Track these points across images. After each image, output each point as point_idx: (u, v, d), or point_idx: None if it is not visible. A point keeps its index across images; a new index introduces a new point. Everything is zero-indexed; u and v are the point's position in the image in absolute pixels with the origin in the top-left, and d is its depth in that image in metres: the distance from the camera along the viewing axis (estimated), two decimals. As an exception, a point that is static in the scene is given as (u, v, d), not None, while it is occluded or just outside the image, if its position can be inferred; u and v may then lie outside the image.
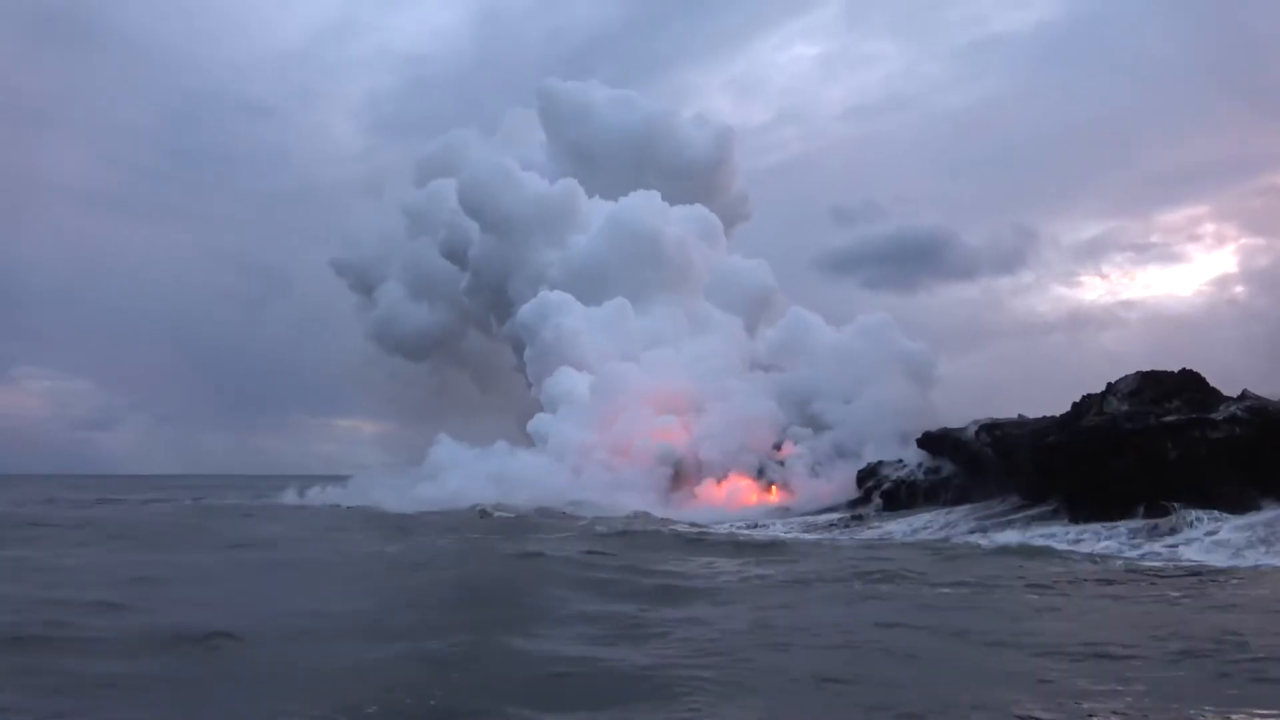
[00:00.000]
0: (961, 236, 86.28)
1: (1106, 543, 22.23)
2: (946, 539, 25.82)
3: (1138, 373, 27.37)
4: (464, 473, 48.17)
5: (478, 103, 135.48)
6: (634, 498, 39.74)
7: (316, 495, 53.28)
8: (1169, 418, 24.57)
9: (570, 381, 49.69)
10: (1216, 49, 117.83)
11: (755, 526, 32.78)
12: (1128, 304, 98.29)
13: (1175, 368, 27.60)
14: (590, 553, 21.73)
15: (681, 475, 43.35)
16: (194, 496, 62.11)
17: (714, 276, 61.39)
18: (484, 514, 36.59)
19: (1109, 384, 27.85)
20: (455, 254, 64.75)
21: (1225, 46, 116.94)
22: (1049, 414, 30.22)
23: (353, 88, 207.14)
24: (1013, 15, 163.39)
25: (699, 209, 62.65)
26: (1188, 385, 26.44)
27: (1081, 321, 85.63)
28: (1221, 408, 24.99)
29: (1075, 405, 28.54)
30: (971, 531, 26.32)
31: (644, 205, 58.42)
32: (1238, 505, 22.81)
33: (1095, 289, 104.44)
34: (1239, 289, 72.00)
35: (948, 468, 32.94)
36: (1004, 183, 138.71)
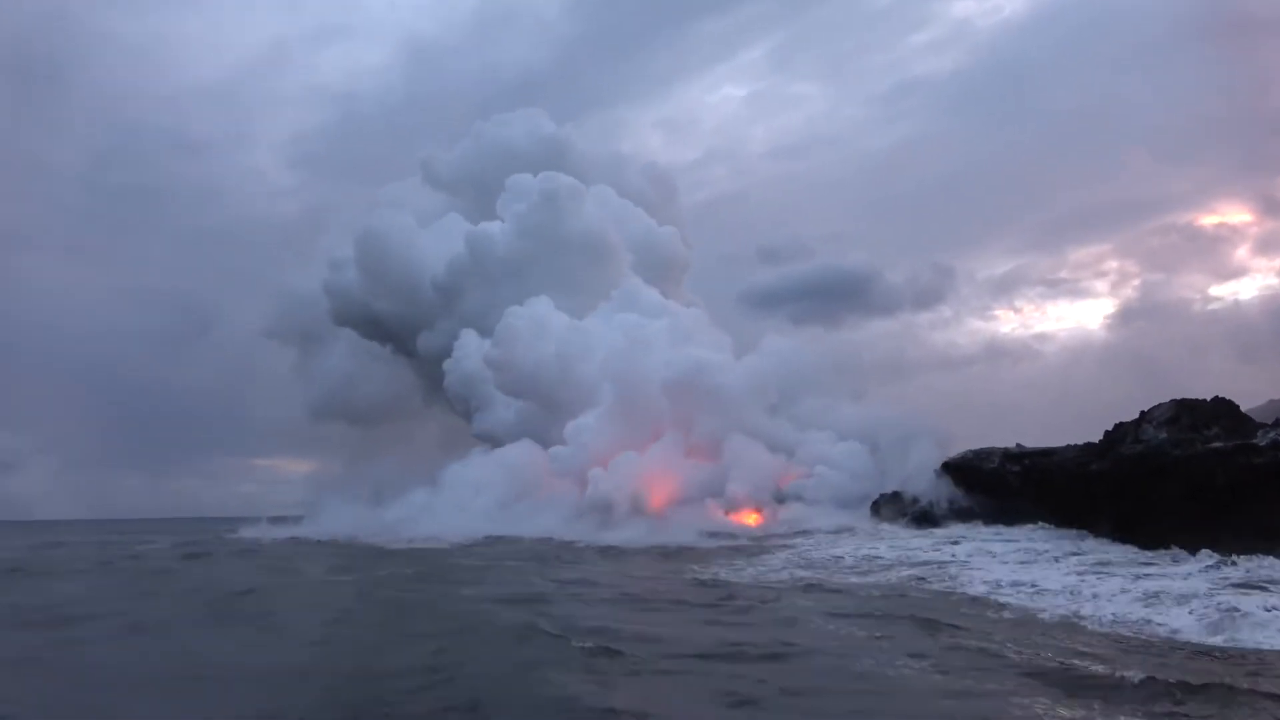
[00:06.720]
0: (884, 273, 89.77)
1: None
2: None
3: (1172, 400, 27.56)
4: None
5: (410, 142, 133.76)
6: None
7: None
8: (1214, 444, 24.76)
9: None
10: (1118, 99, 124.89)
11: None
12: (1040, 336, 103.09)
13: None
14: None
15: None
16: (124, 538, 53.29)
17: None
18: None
19: (1142, 412, 27.98)
20: (349, 319, 63.46)
21: (1126, 97, 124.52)
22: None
23: (281, 123, 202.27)
24: (931, 62, 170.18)
25: (663, 227, 62.30)
26: (1222, 413, 26.72)
27: (998, 353, 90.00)
28: (1260, 433, 25.24)
29: (1108, 434, 28.65)
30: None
31: (562, 186, 56.38)
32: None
33: (1010, 322, 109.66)
34: (1141, 322, 75.98)
35: (971, 496, 32.97)
36: (922, 221, 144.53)
